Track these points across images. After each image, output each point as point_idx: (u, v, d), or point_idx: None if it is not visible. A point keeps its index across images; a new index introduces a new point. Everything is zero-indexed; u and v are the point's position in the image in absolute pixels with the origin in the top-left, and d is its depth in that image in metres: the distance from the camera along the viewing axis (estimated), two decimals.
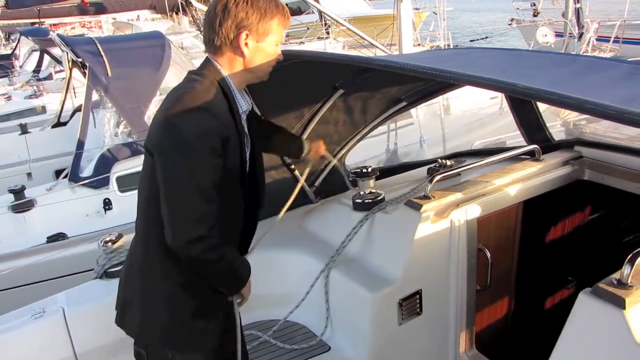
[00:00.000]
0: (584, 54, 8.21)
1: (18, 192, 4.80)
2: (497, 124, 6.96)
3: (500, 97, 6.95)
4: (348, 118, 2.99)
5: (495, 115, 7.24)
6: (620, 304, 1.50)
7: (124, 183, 4.99)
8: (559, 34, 9.64)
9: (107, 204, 4.94)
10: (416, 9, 13.45)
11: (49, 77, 10.46)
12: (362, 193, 2.67)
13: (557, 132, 4.97)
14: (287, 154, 2.14)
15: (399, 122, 6.12)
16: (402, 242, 2.36)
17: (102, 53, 5.28)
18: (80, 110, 5.68)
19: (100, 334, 2.29)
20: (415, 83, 2.87)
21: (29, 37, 10.97)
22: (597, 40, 9.20)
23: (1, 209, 4.71)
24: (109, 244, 2.53)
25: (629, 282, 1.55)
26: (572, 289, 3.10)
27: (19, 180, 5.61)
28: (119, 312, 1.80)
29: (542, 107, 3.12)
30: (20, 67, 12.28)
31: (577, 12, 8.78)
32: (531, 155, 2.88)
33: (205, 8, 10.94)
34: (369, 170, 2.72)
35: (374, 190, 2.67)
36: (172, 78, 5.40)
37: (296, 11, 17.24)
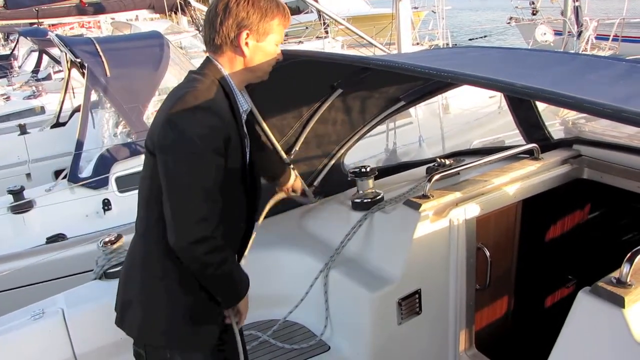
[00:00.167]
0: (583, 52, 8.22)
1: (17, 193, 4.79)
2: (496, 123, 6.96)
3: (499, 96, 6.95)
4: (347, 117, 2.99)
5: (494, 114, 7.25)
6: (619, 302, 1.50)
7: (123, 183, 4.98)
8: (557, 33, 9.64)
9: (107, 205, 4.93)
10: (415, 7, 13.48)
11: (48, 77, 10.45)
12: (361, 193, 2.67)
13: (556, 130, 4.98)
14: (271, 175, 2.13)
15: (398, 121, 6.11)
16: (402, 241, 2.36)
17: (101, 53, 5.27)
18: (79, 110, 5.67)
19: (99, 335, 2.28)
20: (414, 82, 2.87)
21: (28, 38, 10.96)
22: (596, 38, 9.19)
23: (0, 209, 4.71)
24: (108, 244, 2.52)
25: (628, 280, 1.55)
26: (572, 287, 3.10)
27: (18, 181, 5.60)
28: (119, 312, 1.79)
29: (541, 106, 3.11)
30: (19, 67, 12.26)
31: (576, 10, 8.77)
32: (530, 154, 2.87)
33: (204, 8, 10.95)
34: (368, 169, 2.71)
35: (373, 190, 2.67)
36: (171, 78, 5.39)
37: (295, 10, 17.24)
